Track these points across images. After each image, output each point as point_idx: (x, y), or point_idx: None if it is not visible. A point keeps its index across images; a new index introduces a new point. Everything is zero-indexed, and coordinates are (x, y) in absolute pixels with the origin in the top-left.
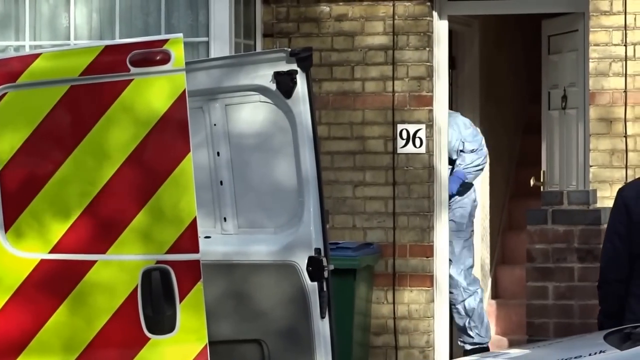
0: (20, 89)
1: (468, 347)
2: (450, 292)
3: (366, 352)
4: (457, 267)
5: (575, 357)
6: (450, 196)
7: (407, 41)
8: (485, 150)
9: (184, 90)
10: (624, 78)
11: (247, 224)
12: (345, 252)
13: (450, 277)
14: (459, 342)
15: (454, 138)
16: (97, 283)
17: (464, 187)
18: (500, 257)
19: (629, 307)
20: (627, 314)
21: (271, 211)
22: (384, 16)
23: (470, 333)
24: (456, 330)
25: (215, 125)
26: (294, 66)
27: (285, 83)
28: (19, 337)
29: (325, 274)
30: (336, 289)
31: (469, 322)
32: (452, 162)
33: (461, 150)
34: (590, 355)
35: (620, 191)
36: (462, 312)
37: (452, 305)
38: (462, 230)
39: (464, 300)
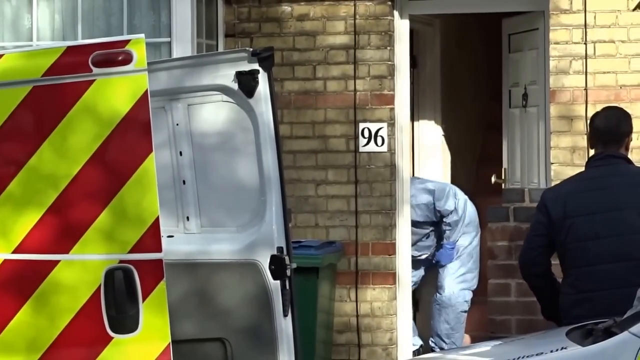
0: None
1: (437, 349)
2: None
3: (329, 350)
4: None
5: (537, 354)
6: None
7: (369, 40)
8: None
9: (146, 91)
10: (584, 76)
11: (210, 223)
12: (308, 251)
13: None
14: (431, 343)
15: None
16: (60, 283)
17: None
18: None
19: (560, 303)
20: (560, 310)
21: (234, 210)
22: (345, 16)
23: (447, 341)
24: (431, 331)
25: (177, 125)
26: (256, 66)
27: (247, 83)
28: None
29: (288, 272)
30: (299, 288)
31: (451, 329)
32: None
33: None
34: (552, 351)
35: (542, 193)
36: (452, 322)
37: (441, 308)
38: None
39: (464, 312)
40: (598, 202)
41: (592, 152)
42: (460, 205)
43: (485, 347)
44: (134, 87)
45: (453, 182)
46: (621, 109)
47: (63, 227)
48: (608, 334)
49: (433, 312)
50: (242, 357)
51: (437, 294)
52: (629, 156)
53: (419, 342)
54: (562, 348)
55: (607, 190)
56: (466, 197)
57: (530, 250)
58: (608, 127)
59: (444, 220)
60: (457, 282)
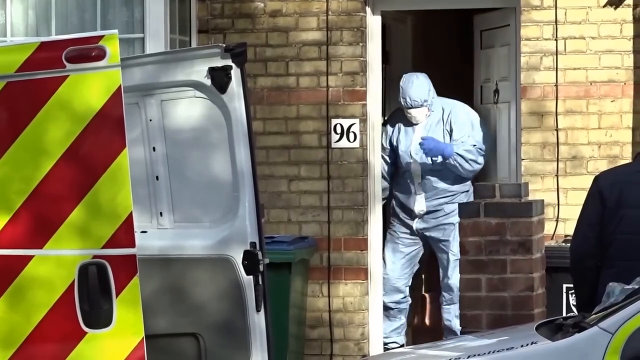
0: None
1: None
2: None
3: (302, 345)
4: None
5: (508, 349)
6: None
7: (341, 37)
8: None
9: (120, 86)
10: (555, 72)
11: (183, 219)
12: (281, 246)
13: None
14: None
15: (464, 133)
16: (35, 278)
17: (461, 181)
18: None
19: (599, 295)
20: (596, 302)
21: (207, 206)
22: (318, 12)
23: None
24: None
25: (151, 120)
26: (229, 62)
27: (220, 78)
28: None
29: (261, 267)
30: (272, 283)
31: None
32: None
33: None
34: (522, 346)
35: (595, 179)
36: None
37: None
38: None
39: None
40: None
41: (562, 147)
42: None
43: (456, 342)
44: (108, 83)
45: None
46: None
47: (37, 222)
48: (578, 328)
49: (443, 312)
50: (215, 352)
51: (445, 295)
52: None
53: (402, 341)
54: (532, 343)
55: None
56: None
57: (585, 241)
58: None
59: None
60: None
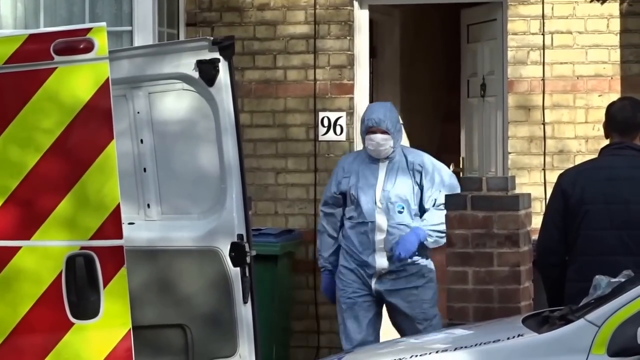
0: None
1: None
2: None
3: (288, 336)
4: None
5: (494, 341)
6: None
7: (329, 30)
8: None
9: (107, 79)
10: (541, 66)
11: (171, 211)
12: (267, 238)
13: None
14: None
15: (433, 187)
16: (22, 269)
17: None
18: None
19: (566, 291)
20: (565, 297)
21: (194, 198)
22: (306, 5)
23: None
24: None
25: (138, 113)
26: (217, 55)
27: (207, 71)
28: None
29: (248, 259)
30: (258, 275)
31: None
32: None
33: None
34: (508, 339)
35: (559, 177)
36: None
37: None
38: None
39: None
40: (615, 193)
41: (549, 141)
42: None
43: (443, 334)
44: (96, 75)
45: None
46: (637, 100)
47: (24, 213)
48: (564, 321)
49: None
50: (202, 343)
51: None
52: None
53: None
54: (518, 335)
55: (626, 182)
56: None
57: (550, 238)
58: (624, 117)
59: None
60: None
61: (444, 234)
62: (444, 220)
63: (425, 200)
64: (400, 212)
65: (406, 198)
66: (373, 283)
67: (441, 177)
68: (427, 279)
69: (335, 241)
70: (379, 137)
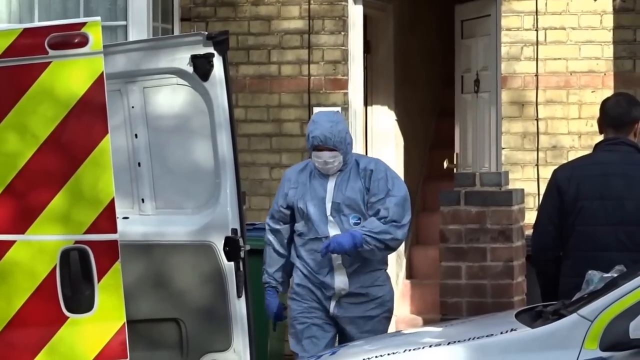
0: None
1: None
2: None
3: (283, 331)
4: None
5: (488, 336)
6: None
7: (323, 25)
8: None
9: (102, 73)
10: (535, 62)
11: (165, 205)
12: (262, 233)
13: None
14: None
15: (379, 195)
16: (16, 263)
17: None
18: (414, 237)
19: (560, 286)
20: (559, 292)
21: (188, 192)
22: (300, 1)
23: None
24: None
25: (133, 107)
26: (211, 49)
27: (202, 66)
28: None
29: (242, 254)
30: (252, 269)
31: None
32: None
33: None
34: (501, 333)
35: (553, 173)
36: None
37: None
38: None
39: None
40: (610, 189)
41: (542, 137)
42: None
43: (437, 328)
44: (90, 70)
45: (406, 166)
46: (631, 95)
47: (19, 207)
48: (557, 316)
49: None
50: (196, 337)
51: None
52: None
53: None
54: (511, 330)
55: (620, 178)
56: None
57: (545, 234)
58: (619, 113)
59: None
60: None
61: (383, 245)
62: (386, 231)
63: (369, 207)
64: (356, 225)
65: (360, 208)
66: (332, 307)
67: (390, 187)
68: (385, 309)
69: (282, 258)
70: (325, 154)
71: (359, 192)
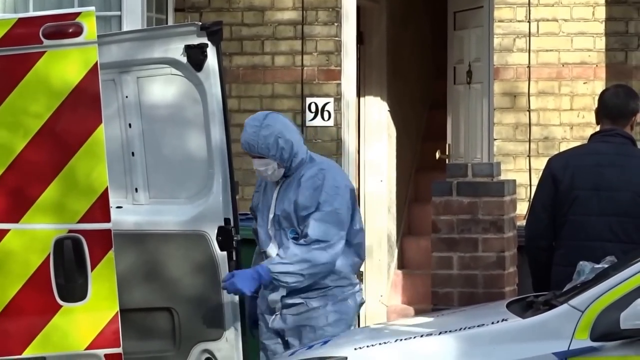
0: None
1: None
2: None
3: None
4: None
5: (479, 326)
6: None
7: (316, 16)
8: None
9: (96, 63)
10: (527, 54)
11: (158, 195)
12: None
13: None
14: None
15: (311, 208)
16: (10, 252)
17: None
18: (406, 228)
19: (552, 275)
20: (551, 281)
21: (182, 182)
22: None
23: None
24: None
25: (127, 97)
26: (205, 40)
27: (195, 56)
28: None
29: (234, 243)
30: (245, 259)
31: None
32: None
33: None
34: (493, 323)
35: (548, 162)
36: None
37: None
38: None
39: None
40: (605, 179)
41: (534, 128)
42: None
43: (428, 318)
44: (84, 59)
45: (398, 157)
46: (630, 87)
47: (13, 196)
48: (548, 306)
49: None
50: (189, 326)
51: None
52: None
53: None
54: (502, 320)
55: (614, 169)
56: None
57: (538, 222)
58: (617, 104)
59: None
60: None
61: (303, 277)
62: (304, 259)
63: (300, 221)
64: (294, 239)
65: (293, 223)
66: (270, 321)
67: (322, 200)
68: (337, 317)
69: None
70: (256, 162)
71: (293, 204)
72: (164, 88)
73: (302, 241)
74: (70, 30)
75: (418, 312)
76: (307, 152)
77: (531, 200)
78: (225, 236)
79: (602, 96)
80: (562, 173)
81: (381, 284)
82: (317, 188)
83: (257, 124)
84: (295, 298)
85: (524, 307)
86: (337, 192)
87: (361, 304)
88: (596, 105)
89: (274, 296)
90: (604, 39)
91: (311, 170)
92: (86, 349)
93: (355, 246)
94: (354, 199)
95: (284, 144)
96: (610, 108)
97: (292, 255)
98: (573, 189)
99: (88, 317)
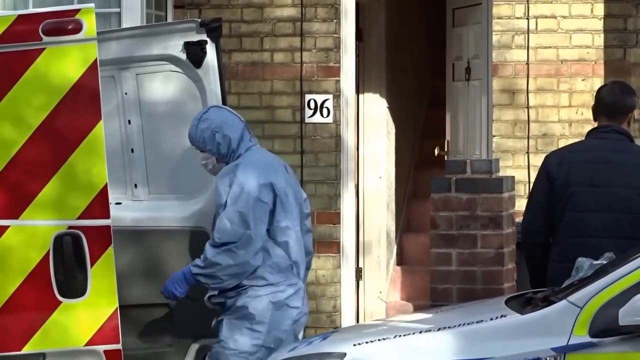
0: None
1: None
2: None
3: None
4: None
5: (478, 322)
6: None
7: (315, 13)
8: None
9: (96, 59)
10: (526, 50)
11: (158, 191)
12: None
13: None
14: None
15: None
16: (10, 248)
17: None
18: (405, 224)
19: (549, 271)
20: (547, 277)
21: (181, 178)
22: None
23: None
24: None
25: (126, 94)
26: (204, 36)
27: (195, 53)
28: None
29: None
30: None
31: None
32: None
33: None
34: (491, 319)
35: (545, 158)
36: None
37: None
38: None
39: None
40: (602, 176)
41: (533, 125)
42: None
43: (427, 314)
44: (84, 56)
45: (397, 154)
46: (627, 84)
47: (13, 193)
48: (547, 302)
49: None
50: (188, 322)
51: None
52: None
53: None
54: (501, 316)
55: (612, 166)
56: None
57: (534, 219)
58: (614, 101)
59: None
60: None
61: (220, 280)
62: (214, 263)
63: (215, 219)
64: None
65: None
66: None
67: (229, 199)
68: (246, 313)
69: None
70: (199, 156)
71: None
72: (163, 85)
73: (211, 241)
74: (70, 27)
75: (417, 309)
76: (249, 150)
77: (528, 196)
78: None
79: (599, 93)
80: (557, 170)
81: (380, 280)
82: (226, 186)
83: (198, 117)
84: (219, 297)
85: (522, 304)
86: (243, 190)
87: (291, 306)
88: (594, 102)
89: (206, 297)
90: (602, 35)
91: (226, 168)
92: (86, 344)
93: (282, 245)
94: (275, 196)
95: (220, 139)
96: (606, 105)
97: (204, 258)
98: (569, 186)
99: (87, 313)
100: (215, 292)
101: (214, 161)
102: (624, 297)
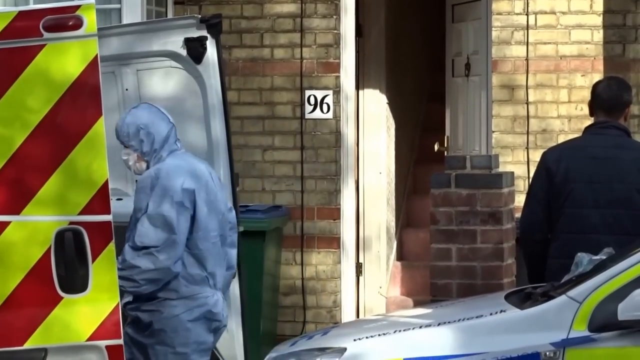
0: None
1: None
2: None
3: (275, 311)
4: None
5: (477, 317)
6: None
7: (315, 9)
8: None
9: (96, 55)
10: (525, 46)
11: None
12: (255, 215)
13: None
14: None
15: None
16: (11, 243)
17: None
18: (405, 220)
19: (548, 267)
20: (546, 273)
21: None
22: None
23: None
24: None
25: (127, 90)
26: (204, 32)
27: (195, 49)
28: None
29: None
30: (246, 251)
31: None
32: None
33: None
34: (491, 314)
35: (543, 155)
36: None
37: None
38: None
39: None
40: (599, 172)
41: (532, 120)
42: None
43: (427, 310)
44: (84, 52)
45: (397, 149)
46: (623, 79)
47: (14, 189)
48: (546, 297)
49: None
50: None
51: None
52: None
53: None
54: (501, 311)
55: (609, 161)
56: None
57: (533, 215)
58: (610, 96)
59: None
60: None
61: (138, 284)
62: (132, 265)
63: (133, 223)
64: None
65: None
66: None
67: (151, 201)
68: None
69: None
70: (122, 150)
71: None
72: (163, 81)
73: (131, 243)
74: (71, 23)
75: (417, 304)
76: (172, 153)
77: (527, 193)
78: None
79: (595, 89)
80: (556, 166)
81: (380, 276)
82: (148, 189)
83: (127, 111)
84: (134, 310)
85: (522, 299)
86: (166, 194)
87: (210, 318)
88: (590, 98)
89: (122, 303)
90: (601, 31)
91: (148, 171)
92: (87, 340)
93: (196, 256)
94: (195, 203)
95: (144, 136)
96: (603, 100)
97: (122, 261)
98: (568, 182)
99: (89, 309)
100: (130, 298)
101: (135, 158)
102: (623, 292)
